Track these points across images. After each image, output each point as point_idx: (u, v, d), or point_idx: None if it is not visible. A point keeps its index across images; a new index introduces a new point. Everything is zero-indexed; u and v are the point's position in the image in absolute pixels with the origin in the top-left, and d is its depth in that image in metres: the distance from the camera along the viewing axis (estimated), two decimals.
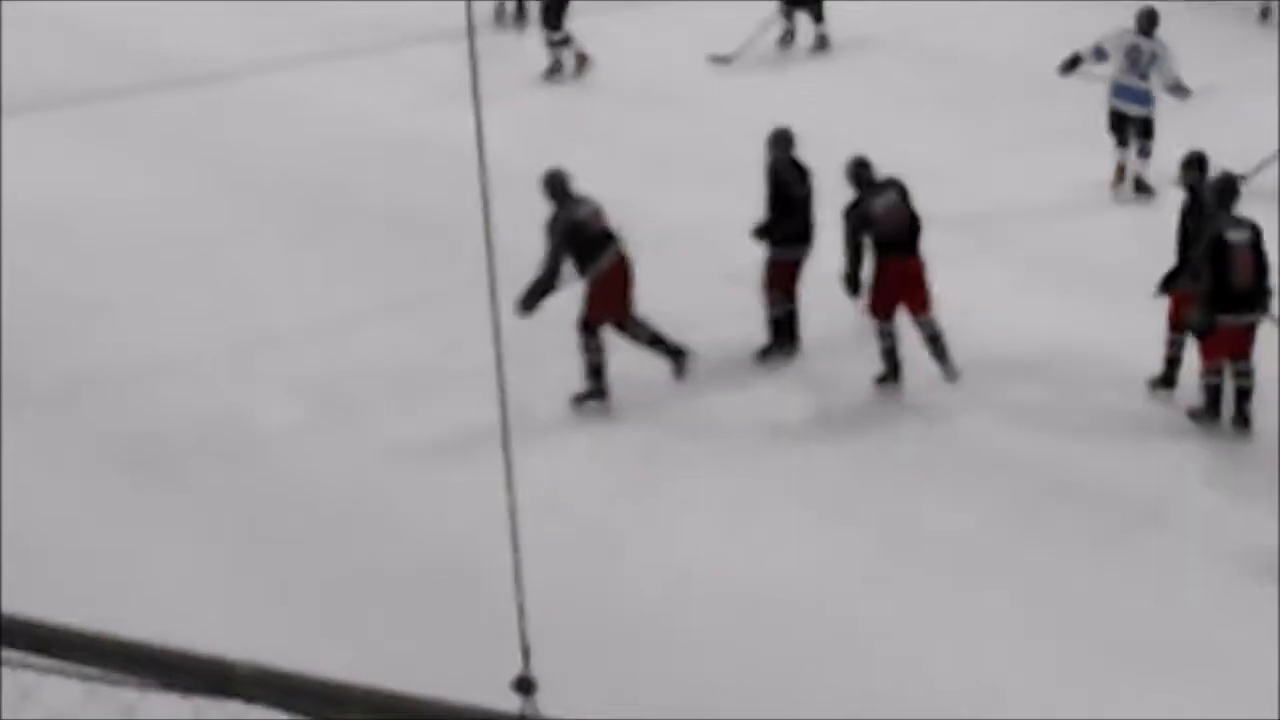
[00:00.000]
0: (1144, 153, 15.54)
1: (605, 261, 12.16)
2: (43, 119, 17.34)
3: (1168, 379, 12.29)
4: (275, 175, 16.16)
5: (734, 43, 18.63)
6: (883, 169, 12.60)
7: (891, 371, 12.51)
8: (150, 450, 11.83)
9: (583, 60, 18.17)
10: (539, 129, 16.26)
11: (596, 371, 12.20)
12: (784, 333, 12.88)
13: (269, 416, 12.22)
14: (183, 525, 11.02)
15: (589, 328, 12.19)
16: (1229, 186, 12.13)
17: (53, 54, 19.23)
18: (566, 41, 18.13)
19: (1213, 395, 11.95)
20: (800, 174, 12.80)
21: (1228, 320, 11.73)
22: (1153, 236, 13.09)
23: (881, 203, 12.37)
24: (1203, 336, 11.81)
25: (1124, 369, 12.52)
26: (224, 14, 20.26)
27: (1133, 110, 15.55)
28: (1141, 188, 15.52)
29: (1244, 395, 11.91)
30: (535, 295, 11.97)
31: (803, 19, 19.13)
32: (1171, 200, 13.10)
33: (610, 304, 12.19)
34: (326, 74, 18.59)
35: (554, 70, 18.16)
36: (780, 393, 12.51)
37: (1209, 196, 12.06)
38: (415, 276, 13.86)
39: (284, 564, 10.63)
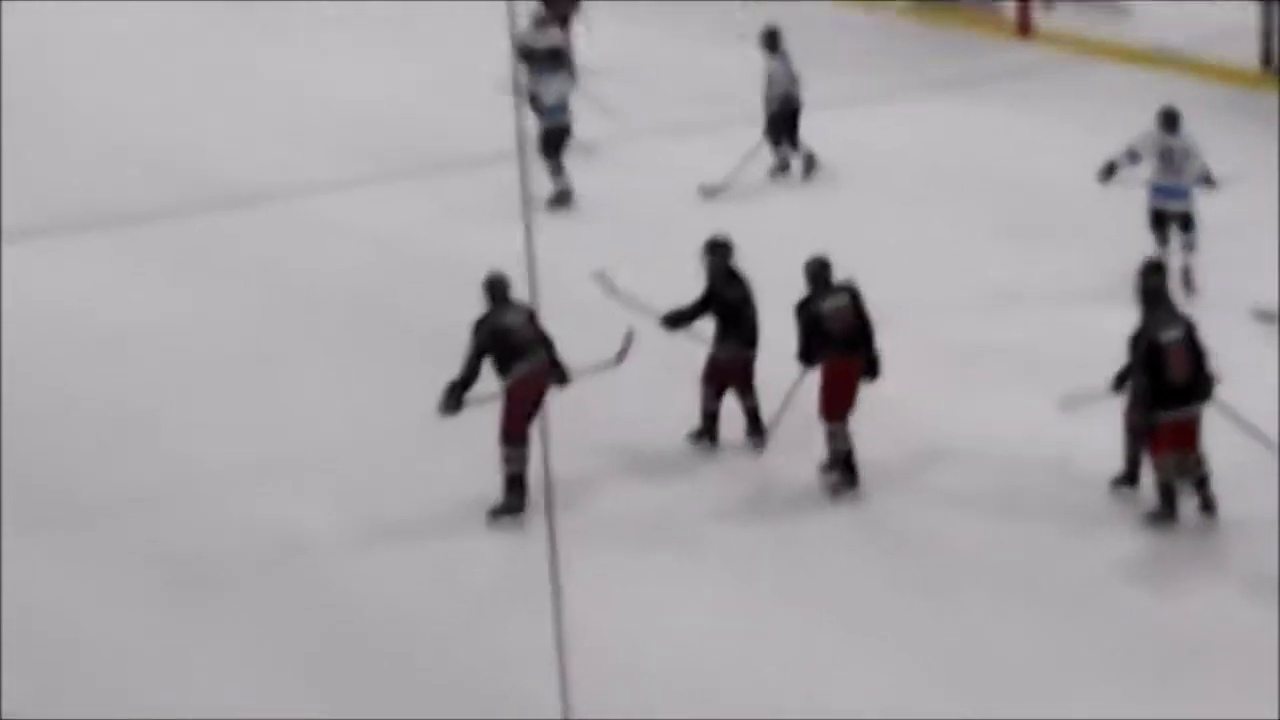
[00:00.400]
0: (1189, 246, 15.91)
1: (525, 369, 12.48)
2: (89, 237, 17.77)
3: (1129, 477, 12.63)
4: (319, 293, 16.53)
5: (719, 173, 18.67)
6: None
7: (848, 477, 12.92)
8: (198, 564, 12.14)
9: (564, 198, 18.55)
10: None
11: (514, 481, 12.59)
12: (711, 427, 13.56)
13: (315, 529, 12.54)
14: (228, 638, 11.31)
15: (509, 438, 12.53)
16: (1151, 286, 12.43)
17: (101, 172, 19.72)
18: (560, 171, 18.49)
19: (1166, 495, 12.30)
20: (733, 279, 13.37)
21: (1169, 417, 12.11)
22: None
23: (830, 304, 12.84)
24: (1148, 434, 12.22)
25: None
26: (267, 137, 20.81)
27: (1173, 207, 15.93)
28: (1188, 283, 15.80)
29: (1202, 483, 12.31)
30: (453, 394, 12.43)
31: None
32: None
33: (527, 411, 12.34)
34: (368, 196, 19.02)
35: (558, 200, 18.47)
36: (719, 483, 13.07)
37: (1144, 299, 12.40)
38: None
39: (330, 677, 10.91)
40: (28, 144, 20.41)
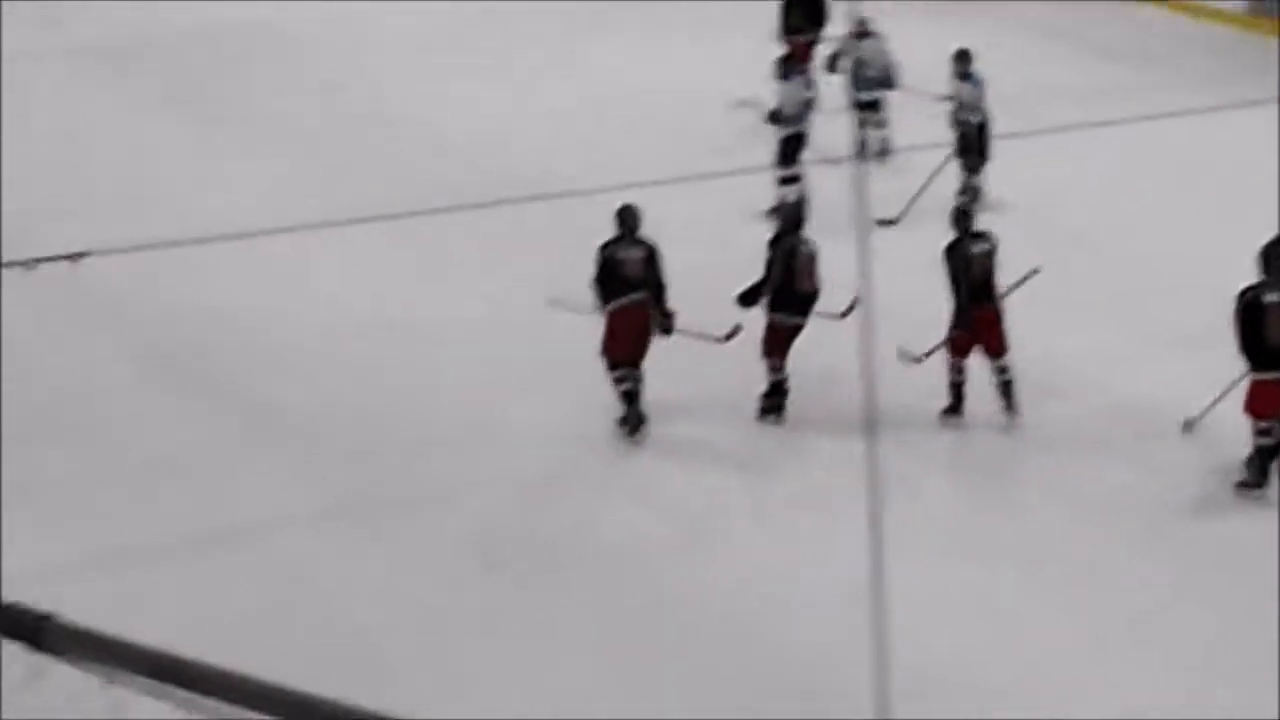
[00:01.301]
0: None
1: (624, 302, 13.42)
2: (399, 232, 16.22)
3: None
4: None
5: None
6: None
7: (956, 404, 13.59)
8: (529, 555, 12.16)
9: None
10: None
11: (628, 397, 13.50)
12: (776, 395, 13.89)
13: (644, 526, 12.51)
14: (551, 630, 11.31)
15: (608, 362, 13.53)
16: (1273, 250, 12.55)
17: (418, 165, 19.26)
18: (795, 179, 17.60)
19: (1264, 456, 12.45)
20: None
21: (1266, 377, 12.31)
22: None
23: (977, 249, 13.51)
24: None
25: None
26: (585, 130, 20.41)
27: None
28: None
29: None
30: (601, 299, 13.45)
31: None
32: None
33: (623, 343, 13.48)
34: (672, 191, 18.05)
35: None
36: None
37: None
38: None
39: (649, 674, 10.88)
40: (350, 137, 20.22)
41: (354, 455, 13.56)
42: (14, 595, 4.03)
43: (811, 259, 13.69)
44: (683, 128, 19.61)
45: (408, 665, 10.92)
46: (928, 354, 13.53)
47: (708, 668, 10.94)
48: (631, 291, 13.40)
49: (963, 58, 17.76)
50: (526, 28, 23.62)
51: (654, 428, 13.57)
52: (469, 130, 20.21)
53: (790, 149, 17.78)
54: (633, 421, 13.46)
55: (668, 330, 13.48)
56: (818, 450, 13.33)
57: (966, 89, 17.73)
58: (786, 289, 13.64)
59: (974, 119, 17.67)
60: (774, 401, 13.80)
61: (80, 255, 12.66)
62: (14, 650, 3.93)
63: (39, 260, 12.33)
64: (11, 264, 12.30)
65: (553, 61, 22.62)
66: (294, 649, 10.43)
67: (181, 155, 19.63)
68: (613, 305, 13.42)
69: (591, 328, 13.60)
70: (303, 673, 4.41)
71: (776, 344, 13.70)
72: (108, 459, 13.35)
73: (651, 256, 13.44)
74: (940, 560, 11.74)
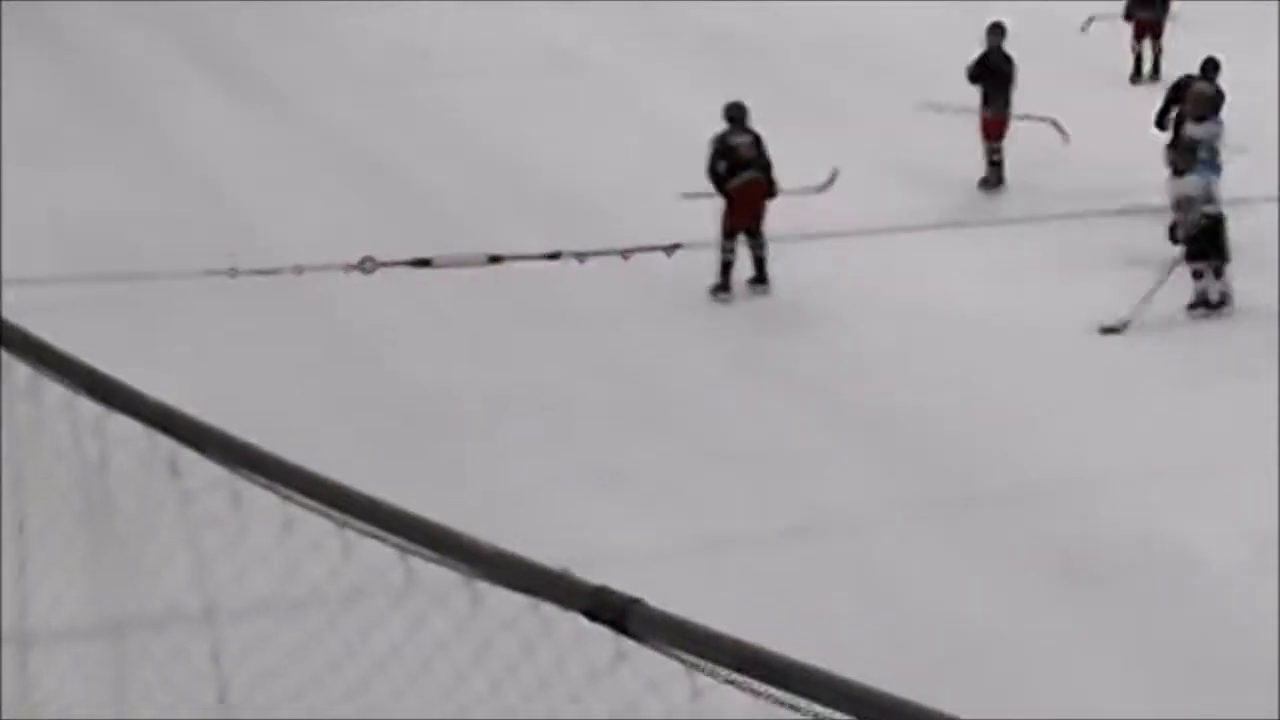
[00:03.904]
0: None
1: (741, 181, 16.18)
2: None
3: None
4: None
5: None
6: None
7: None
8: (1087, 564, 11.99)
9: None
10: None
11: (725, 268, 16.19)
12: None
13: (1207, 545, 12.13)
14: (1108, 641, 11.07)
15: (725, 233, 16.12)
16: None
17: None
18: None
19: None
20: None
21: None
22: None
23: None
24: None
25: None
26: None
27: None
28: None
29: None
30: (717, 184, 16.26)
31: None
32: None
33: (742, 214, 16.25)
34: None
35: None
36: None
37: None
38: None
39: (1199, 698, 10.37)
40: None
41: (930, 451, 13.52)
42: (605, 579, 4.06)
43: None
44: None
45: (976, 660, 10.74)
46: None
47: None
48: (740, 172, 16.12)
49: None
50: None
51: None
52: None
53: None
54: (722, 288, 16.18)
55: (772, 194, 16.18)
56: None
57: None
58: None
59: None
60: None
61: (674, 247, 13.05)
62: (603, 633, 3.96)
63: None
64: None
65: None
66: (872, 644, 10.42)
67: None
68: (731, 185, 16.11)
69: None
70: (883, 668, 4.35)
71: None
72: (694, 449, 13.58)
73: (758, 139, 16.28)
74: None
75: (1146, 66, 22.99)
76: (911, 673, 5.05)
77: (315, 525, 4.54)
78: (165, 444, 4.86)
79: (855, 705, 3.49)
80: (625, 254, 13.42)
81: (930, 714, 3.45)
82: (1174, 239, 15.87)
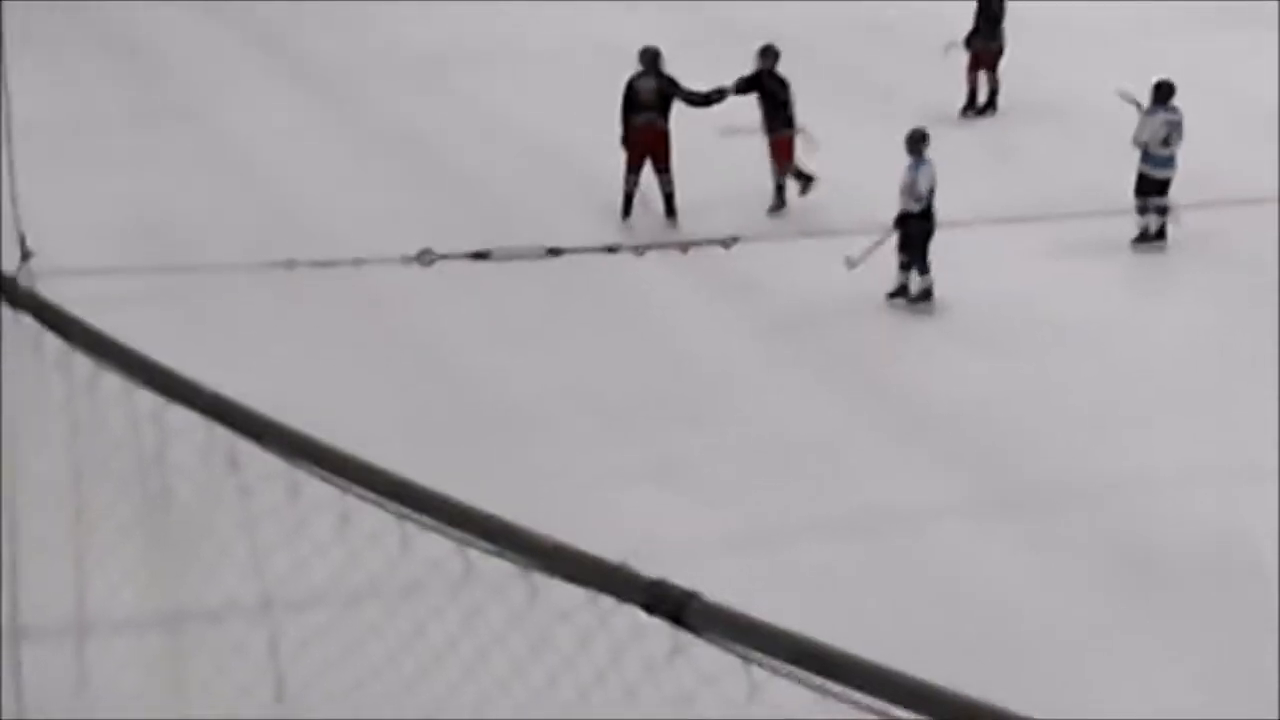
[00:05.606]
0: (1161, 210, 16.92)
1: (640, 121, 17.72)
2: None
3: None
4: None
5: None
6: None
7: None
8: (1141, 560, 11.94)
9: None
10: None
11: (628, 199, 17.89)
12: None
13: (1260, 540, 11.95)
14: (1164, 637, 11.03)
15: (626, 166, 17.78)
16: None
17: None
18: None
19: None
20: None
21: None
22: None
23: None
24: None
25: None
26: None
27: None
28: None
29: None
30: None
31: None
32: None
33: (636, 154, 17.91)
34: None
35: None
36: None
37: None
38: None
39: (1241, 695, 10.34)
40: None
41: (994, 450, 13.43)
42: (662, 572, 4.05)
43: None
44: None
45: (1034, 659, 10.68)
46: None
47: None
48: (640, 113, 17.67)
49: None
50: None
51: None
52: None
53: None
54: (624, 213, 17.85)
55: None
56: None
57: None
58: None
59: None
60: None
61: (732, 240, 12.98)
62: (659, 625, 3.95)
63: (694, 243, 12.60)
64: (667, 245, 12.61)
65: None
66: (931, 640, 10.31)
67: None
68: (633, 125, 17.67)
69: None
70: (942, 665, 4.30)
71: None
72: (752, 443, 13.55)
73: (672, 82, 17.71)
74: None
75: (981, 98, 22.06)
76: (971, 670, 4.99)
77: (373, 517, 4.54)
78: (223, 436, 4.87)
79: (914, 700, 3.47)
80: (684, 247, 13.36)
81: (988, 710, 3.43)
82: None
